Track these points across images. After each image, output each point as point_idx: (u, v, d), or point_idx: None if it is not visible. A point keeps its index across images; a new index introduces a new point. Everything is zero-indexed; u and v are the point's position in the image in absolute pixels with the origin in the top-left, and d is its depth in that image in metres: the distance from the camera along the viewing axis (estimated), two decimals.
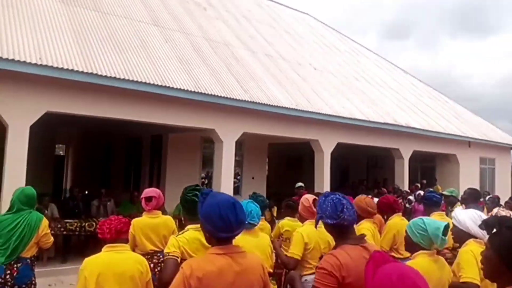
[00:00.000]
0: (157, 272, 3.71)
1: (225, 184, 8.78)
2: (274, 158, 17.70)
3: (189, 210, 3.09)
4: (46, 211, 6.92)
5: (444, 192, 6.17)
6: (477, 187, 14.17)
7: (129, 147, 12.71)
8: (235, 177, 12.76)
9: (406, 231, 2.78)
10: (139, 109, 7.67)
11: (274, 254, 3.67)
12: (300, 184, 8.66)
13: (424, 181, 13.68)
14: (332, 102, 11.17)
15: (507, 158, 17.07)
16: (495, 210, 3.65)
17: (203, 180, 13.39)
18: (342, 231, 2.24)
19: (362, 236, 2.31)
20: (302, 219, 4.17)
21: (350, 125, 10.94)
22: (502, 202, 8.94)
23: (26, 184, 5.58)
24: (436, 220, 2.81)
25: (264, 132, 9.63)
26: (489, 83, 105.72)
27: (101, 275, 2.57)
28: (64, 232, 6.98)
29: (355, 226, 4.00)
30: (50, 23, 7.60)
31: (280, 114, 9.44)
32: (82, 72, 6.79)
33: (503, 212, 3.49)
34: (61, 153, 18.61)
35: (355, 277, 2.02)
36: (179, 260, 2.71)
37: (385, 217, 4.76)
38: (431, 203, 4.66)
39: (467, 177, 14.18)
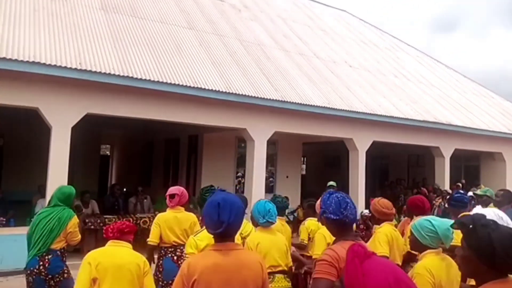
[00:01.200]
0: (180, 264, 3.91)
1: (257, 182, 8.92)
2: (311, 157, 17.64)
3: None
4: (83, 210, 7.36)
5: (477, 192, 5.90)
6: None
7: (168, 147, 13.17)
8: (270, 176, 12.89)
9: (412, 233, 2.75)
10: (173, 110, 7.97)
11: (289, 254, 3.74)
12: (331, 183, 8.60)
13: (463, 181, 13.10)
14: (368, 100, 10.99)
15: None
16: None
17: (240, 179, 13.61)
18: (342, 228, 2.29)
19: (357, 234, 2.38)
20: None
21: (387, 123, 10.71)
22: None
23: (71, 182, 5.99)
24: (444, 220, 2.77)
25: (296, 131, 9.67)
26: None
27: (101, 264, 2.75)
28: (104, 227, 7.40)
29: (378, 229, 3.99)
30: (90, 30, 8.07)
31: (312, 112, 9.44)
32: (119, 75, 7.17)
33: None
34: (107, 153, 19.58)
35: None
36: None
37: (414, 216, 4.65)
38: (461, 205, 4.47)
39: None
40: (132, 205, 8.74)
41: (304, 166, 18.12)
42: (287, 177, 12.47)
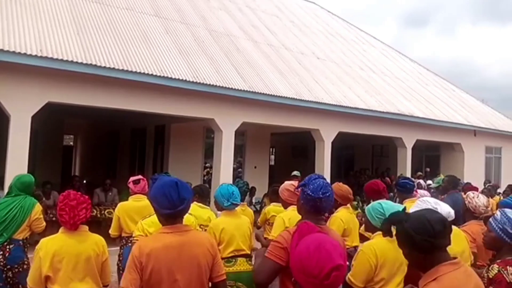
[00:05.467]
0: None
1: (224, 173, 8.93)
2: (280, 147, 17.82)
3: None
4: (43, 199, 7.13)
5: (432, 185, 6.26)
6: (482, 176, 14.11)
7: (135, 137, 12.95)
8: (239, 167, 12.93)
9: (365, 214, 2.88)
10: (139, 99, 7.83)
11: (254, 236, 3.83)
12: (295, 172, 8.71)
13: (428, 169, 13.63)
14: (334, 92, 11.18)
15: None
16: (471, 194, 3.71)
17: (208, 169, 13.58)
18: (311, 210, 2.36)
19: (323, 218, 2.45)
20: (286, 205, 4.28)
21: (352, 114, 10.96)
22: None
23: (31, 173, 5.81)
24: (394, 204, 2.90)
25: (263, 121, 9.73)
26: (511, 72, 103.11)
27: (56, 256, 2.57)
28: None
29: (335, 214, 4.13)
30: (52, 15, 7.78)
31: (280, 103, 9.51)
32: (82, 63, 6.96)
33: (471, 193, 3.56)
34: (71, 143, 19.02)
35: None
36: None
37: (371, 201, 4.87)
38: (405, 190, 4.70)
39: (472, 166, 14.09)
40: (97, 196, 8.57)
41: (272, 157, 18.29)
42: (255, 167, 12.55)
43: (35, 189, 4.36)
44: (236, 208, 3.72)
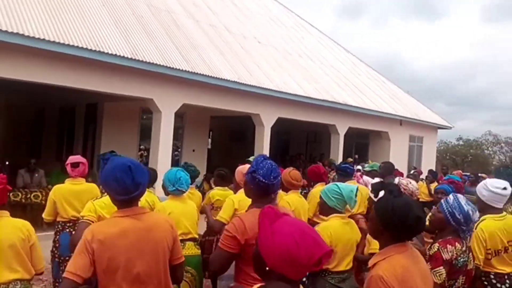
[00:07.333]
0: None
1: (162, 156, 8.67)
2: (217, 131, 17.69)
3: None
4: None
5: (366, 168, 6.64)
6: (406, 163, 15.20)
7: (62, 116, 12.08)
8: (176, 150, 12.63)
9: (321, 197, 2.95)
10: (70, 74, 7.26)
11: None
12: (251, 158, 8.63)
13: (357, 156, 14.37)
14: (274, 77, 11.27)
15: (434, 137, 18.36)
16: (397, 179, 4.02)
17: (142, 152, 13.11)
18: (263, 194, 2.35)
19: (274, 198, 2.46)
20: (238, 188, 4.25)
21: (291, 101, 11.14)
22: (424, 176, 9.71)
23: None
24: (348, 185, 3.02)
25: (205, 104, 9.55)
26: (433, 66, 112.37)
27: None
28: None
29: (283, 196, 4.18)
30: None
31: (222, 86, 9.39)
32: (7, 31, 6.27)
33: (404, 180, 3.85)
34: None
35: None
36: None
37: (312, 184, 5.08)
38: (346, 174, 5.01)
39: (397, 153, 15.09)
40: (22, 178, 7.88)
41: (209, 140, 18.14)
42: (193, 150, 12.35)
43: None
44: (184, 195, 3.60)
